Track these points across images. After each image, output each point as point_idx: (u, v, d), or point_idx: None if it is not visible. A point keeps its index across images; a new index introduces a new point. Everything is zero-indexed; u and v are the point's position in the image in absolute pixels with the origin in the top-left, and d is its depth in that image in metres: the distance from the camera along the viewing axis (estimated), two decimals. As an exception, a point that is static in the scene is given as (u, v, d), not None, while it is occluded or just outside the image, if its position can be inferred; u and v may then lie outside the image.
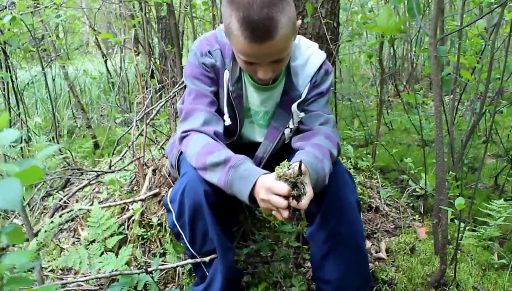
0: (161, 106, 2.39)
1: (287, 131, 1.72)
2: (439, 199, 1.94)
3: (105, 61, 6.29)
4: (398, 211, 2.81)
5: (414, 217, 2.74)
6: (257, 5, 1.30)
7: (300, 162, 1.29)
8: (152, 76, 4.66)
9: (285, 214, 1.29)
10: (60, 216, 2.04)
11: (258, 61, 1.43)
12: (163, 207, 2.03)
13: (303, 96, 1.66)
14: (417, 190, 3.09)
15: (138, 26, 4.89)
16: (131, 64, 5.95)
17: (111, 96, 5.88)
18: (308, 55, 1.68)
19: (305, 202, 1.29)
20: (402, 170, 3.59)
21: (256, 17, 1.29)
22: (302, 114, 1.68)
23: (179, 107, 1.69)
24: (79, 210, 2.10)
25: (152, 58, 5.10)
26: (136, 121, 2.14)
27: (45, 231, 1.36)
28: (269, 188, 1.29)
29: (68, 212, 2.09)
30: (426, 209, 2.84)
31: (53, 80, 4.36)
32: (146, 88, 3.86)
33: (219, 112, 1.65)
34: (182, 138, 1.57)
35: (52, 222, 1.74)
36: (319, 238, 1.60)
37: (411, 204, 3.02)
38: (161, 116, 3.38)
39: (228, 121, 1.65)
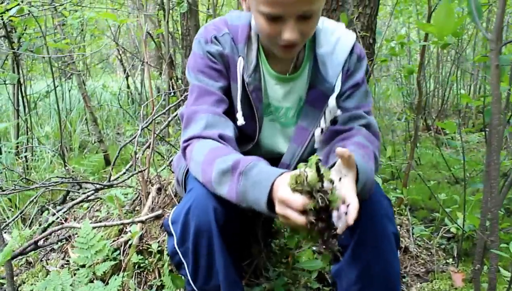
0: (174, 116, 2.15)
1: (317, 132, 1.45)
2: (485, 240, 1.67)
3: (126, 77, 6.19)
4: (430, 253, 2.56)
5: (447, 261, 2.48)
6: None
7: (317, 161, 0.97)
8: (173, 95, 4.50)
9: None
10: (44, 231, 1.80)
11: (285, 13, 1.18)
12: (165, 232, 1.76)
13: (337, 89, 1.41)
14: (451, 230, 2.80)
15: (162, 42, 4.77)
16: (152, 81, 5.81)
17: (129, 111, 5.73)
18: (335, 39, 1.42)
19: (350, 217, 1.00)
20: (432, 208, 3.31)
21: None
22: (339, 111, 1.42)
23: (180, 114, 1.44)
24: (72, 228, 1.86)
25: (174, 76, 4.96)
26: (142, 129, 1.90)
27: (10, 247, 1.13)
28: (284, 200, 1.02)
29: (57, 230, 1.85)
30: (459, 252, 2.54)
31: (69, 90, 4.21)
32: (164, 106, 3.67)
33: (232, 112, 1.40)
34: (184, 150, 1.33)
35: (19, 236, 1.51)
36: (349, 277, 1.32)
37: (442, 246, 2.73)
38: (176, 135, 3.16)
39: (241, 121, 1.39)
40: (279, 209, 1.04)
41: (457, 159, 3.77)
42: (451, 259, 2.47)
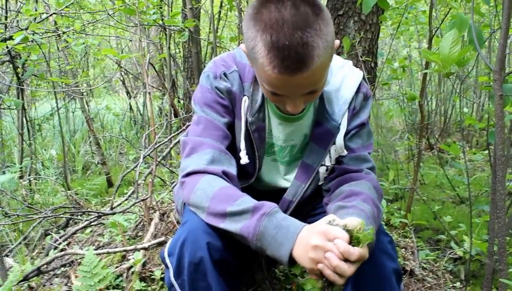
0: (176, 143, 2.15)
1: (322, 169, 1.45)
2: (493, 268, 1.64)
3: (129, 99, 6.22)
4: (436, 276, 2.50)
5: (455, 285, 2.42)
6: (288, 27, 1.05)
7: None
8: (175, 116, 4.50)
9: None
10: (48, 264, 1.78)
11: (288, 94, 1.18)
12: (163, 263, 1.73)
13: (343, 128, 1.41)
14: (457, 252, 2.76)
15: (164, 64, 4.81)
16: (154, 101, 5.83)
17: (131, 133, 5.74)
18: (341, 77, 1.42)
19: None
20: (437, 228, 3.27)
21: (288, 42, 1.05)
22: (345, 152, 1.42)
23: (182, 140, 1.42)
24: (75, 254, 1.85)
25: (176, 97, 4.98)
26: (144, 157, 1.90)
27: (11, 281, 1.13)
28: (325, 232, 1.05)
29: (60, 256, 1.84)
30: (467, 275, 2.50)
31: (73, 113, 4.23)
32: (166, 127, 3.69)
33: (233, 148, 1.40)
34: (183, 181, 1.31)
35: (22, 261, 1.49)
36: None
37: (449, 268, 2.68)
38: (178, 157, 3.16)
39: (245, 159, 1.39)
40: (319, 240, 1.05)
41: (462, 180, 3.74)
42: (458, 283, 2.42)
